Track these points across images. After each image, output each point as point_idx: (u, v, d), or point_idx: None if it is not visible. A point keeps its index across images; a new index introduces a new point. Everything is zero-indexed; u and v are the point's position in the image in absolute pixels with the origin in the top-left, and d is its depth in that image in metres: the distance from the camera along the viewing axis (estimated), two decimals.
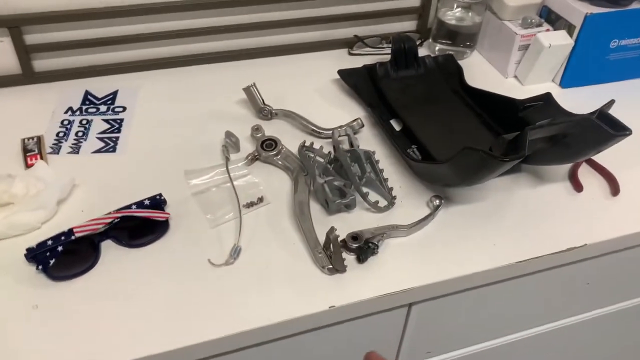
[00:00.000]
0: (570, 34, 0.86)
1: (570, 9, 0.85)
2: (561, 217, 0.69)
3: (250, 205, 0.68)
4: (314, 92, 0.88)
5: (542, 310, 0.79)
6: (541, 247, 0.64)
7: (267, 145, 0.74)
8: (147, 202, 0.64)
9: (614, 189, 0.71)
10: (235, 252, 0.61)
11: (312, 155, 0.73)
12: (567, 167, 0.75)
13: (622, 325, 0.91)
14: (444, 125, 0.79)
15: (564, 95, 0.89)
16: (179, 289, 0.58)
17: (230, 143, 0.75)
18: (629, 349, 1.02)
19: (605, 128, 0.59)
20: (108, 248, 0.62)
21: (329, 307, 0.57)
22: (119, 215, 0.62)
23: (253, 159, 0.74)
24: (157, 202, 0.65)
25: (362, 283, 0.59)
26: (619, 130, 0.60)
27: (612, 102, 0.66)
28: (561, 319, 0.83)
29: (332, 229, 0.60)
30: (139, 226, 0.63)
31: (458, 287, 0.63)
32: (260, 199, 0.68)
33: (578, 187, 0.72)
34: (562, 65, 0.89)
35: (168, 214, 0.64)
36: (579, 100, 0.85)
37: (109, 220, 0.61)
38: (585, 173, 0.74)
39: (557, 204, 0.70)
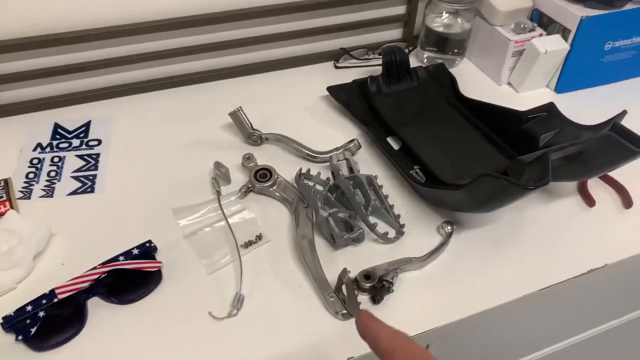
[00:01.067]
0: (565, 37, 0.83)
1: (564, 13, 0.82)
2: (577, 235, 0.65)
3: (248, 244, 0.62)
4: (303, 111, 0.83)
5: (557, 328, 0.76)
6: (561, 270, 0.61)
7: (261, 176, 0.69)
8: (135, 251, 0.58)
9: (627, 201, 0.69)
10: (238, 302, 0.56)
11: (311, 184, 0.68)
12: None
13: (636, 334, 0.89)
14: (444, 141, 0.75)
15: (560, 100, 0.85)
16: (180, 350, 0.52)
17: (220, 175, 0.69)
18: None
19: (627, 144, 0.56)
20: (95, 306, 0.56)
21: (348, 359, 0.52)
22: (106, 269, 0.55)
23: (246, 191, 0.68)
24: (147, 250, 0.59)
25: None
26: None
27: (624, 112, 0.63)
28: (575, 335, 0.80)
29: (345, 271, 0.55)
30: (129, 279, 0.56)
31: (479, 320, 0.59)
32: (259, 237, 0.63)
33: (590, 201, 0.69)
34: (557, 70, 0.86)
35: (160, 262, 0.58)
36: (577, 106, 0.83)
37: (95, 277, 0.55)
38: (594, 185, 0.71)
39: (570, 221, 0.67)
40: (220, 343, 0.53)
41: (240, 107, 0.75)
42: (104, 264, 0.56)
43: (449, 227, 0.64)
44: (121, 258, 0.57)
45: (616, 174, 0.71)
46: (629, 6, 0.82)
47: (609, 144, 0.58)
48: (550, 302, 0.67)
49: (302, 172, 0.68)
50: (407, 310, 0.57)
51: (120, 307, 0.56)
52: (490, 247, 0.63)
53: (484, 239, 0.64)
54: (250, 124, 0.75)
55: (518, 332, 0.71)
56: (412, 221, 0.66)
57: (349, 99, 0.83)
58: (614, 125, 0.61)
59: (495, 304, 0.58)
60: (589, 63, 0.86)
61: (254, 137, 0.75)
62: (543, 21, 0.87)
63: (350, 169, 0.70)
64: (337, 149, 0.74)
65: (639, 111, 0.74)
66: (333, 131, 0.79)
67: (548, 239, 0.65)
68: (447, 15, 0.90)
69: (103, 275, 0.55)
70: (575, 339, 0.80)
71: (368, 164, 0.74)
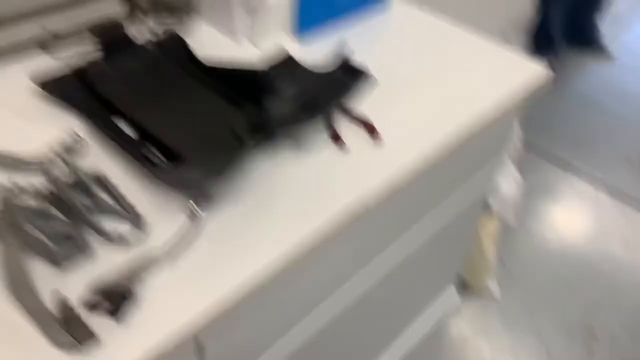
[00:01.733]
0: None
1: None
2: (334, 179, 0.63)
3: None
4: (10, 115, 0.68)
5: (332, 280, 0.75)
6: (325, 217, 0.58)
7: None
8: None
9: (374, 135, 0.68)
10: None
11: (21, 199, 0.55)
12: (325, 128, 0.69)
13: (422, 252, 0.93)
14: (182, 113, 0.67)
15: (300, 45, 0.82)
16: None
17: None
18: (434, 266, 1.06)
19: (346, 80, 0.54)
20: None
21: None
22: None
23: None
24: None
25: (126, 347, 0.46)
26: (361, 78, 0.55)
27: (345, 45, 0.61)
28: (352, 279, 0.79)
29: (58, 294, 0.44)
30: None
31: (254, 296, 0.53)
32: None
33: (341, 145, 0.67)
34: (290, 14, 0.83)
35: None
36: (315, 48, 0.80)
37: None
38: (344, 128, 0.69)
39: (326, 169, 0.64)
40: None
41: None
42: None
43: (197, 209, 0.57)
44: None
45: (361, 109, 0.70)
46: None
47: (329, 83, 0.55)
48: (320, 257, 0.64)
49: (5, 187, 0.55)
50: (163, 315, 0.49)
51: None
52: (248, 218, 0.58)
53: (241, 211, 0.59)
54: None
55: (295, 300, 0.68)
56: (157, 213, 0.57)
57: (68, 90, 0.70)
58: (338, 58, 0.59)
59: (264, 277, 0.53)
60: (320, 1, 0.84)
61: None
62: None
63: (72, 171, 0.59)
64: (54, 150, 0.61)
65: (374, 44, 0.74)
66: (51, 132, 0.66)
67: (307, 192, 0.61)
68: None
69: None
70: (361, 280, 0.80)
71: (100, 159, 0.63)
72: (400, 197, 0.73)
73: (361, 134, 0.69)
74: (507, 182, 1.34)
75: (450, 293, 1.21)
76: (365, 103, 0.70)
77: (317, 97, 0.57)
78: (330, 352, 0.87)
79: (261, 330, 0.65)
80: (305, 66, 0.67)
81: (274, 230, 0.57)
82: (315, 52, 0.78)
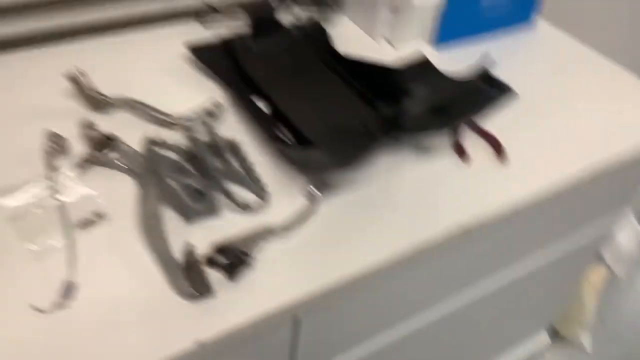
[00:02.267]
0: None
1: None
2: (451, 192, 0.62)
3: (85, 224, 0.53)
4: (161, 74, 0.74)
5: (434, 289, 0.73)
6: (437, 228, 0.58)
7: (104, 145, 0.60)
8: None
9: (501, 154, 0.66)
10: (68, 290, 0.47)
11: (163, 152, 0.60)
12: (449, 135, 0.68)
13: (519, 288, 0.89)
14: (316, 101, 0.69)
15: (439, 53, 0.82)
16: None
17: (55, 146, 0.59)
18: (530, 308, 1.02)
19: (487, 90, 0.53)
20: None
21: (195, 343, 0.45)
22: None
23: (87, 163, 0.59)
24: None
25: (236, 305, 0.49)
26: (502, 91, 0.54)
27: (488, 57, 0.60)
28: (453, 296, 0.78)
29: (189, 245, 0.48)
30: None
31: (353, 286, 0.54)
32: (99, 215, 0.54)
33: (464, 156, 0.66)
34: (433, 21, 0.83)
35: None
36: (454, 58, 0.80)
37: None
38: (469, 140, 0.68)
39: (445, 178, 0.64)
40: (46, 340, 0.44)
41: (76, 66, 0.65)
42: None
43: (317, 192, 0.58)
44: None
45: (490, 126, 0.68)
46: None
47: (470, 91, 0.55)
48: (426, 263, 0.64)
49: (152, 139, 0.60)
50: (269, 284, 0.51)
51: None
52: (363, 210, 0.59)
53: (356, 201, 0.59)
54: (94, 88, 0.65)
55: (393, 298, 0.67)
56: (280, 188, 0.59)
57: (215, 59, 0.75)
58: (480, 71, 0.58)
59: (368, 268, 0.53)
60: (466, 13, 0.83)
61: (98, 103, 0.65)
62: None
63: (210, 134, 0.63)
64: (196, 112, 0.66)
65: (514, 62, 0.72)
66: (196, 95, 0.71)
67: (423, 199, 0.61)
68: None
69: None
70: (454, 301, 0.78)
71: (235, 129, 0.67)
72: (512, 225, 0.70)
73: (486, 149, 0.68)
74: (626, 235, 1.25)
75: (540, 336, 1.14)
76: (496, 118, 0.68)
77: (449, 104, 0.57)
78: None
79: (353, 321, 0.65)
80: (442, 72, 0.66)
81: (383, 228, 0.57)
82: (453, 61, 0.77)
